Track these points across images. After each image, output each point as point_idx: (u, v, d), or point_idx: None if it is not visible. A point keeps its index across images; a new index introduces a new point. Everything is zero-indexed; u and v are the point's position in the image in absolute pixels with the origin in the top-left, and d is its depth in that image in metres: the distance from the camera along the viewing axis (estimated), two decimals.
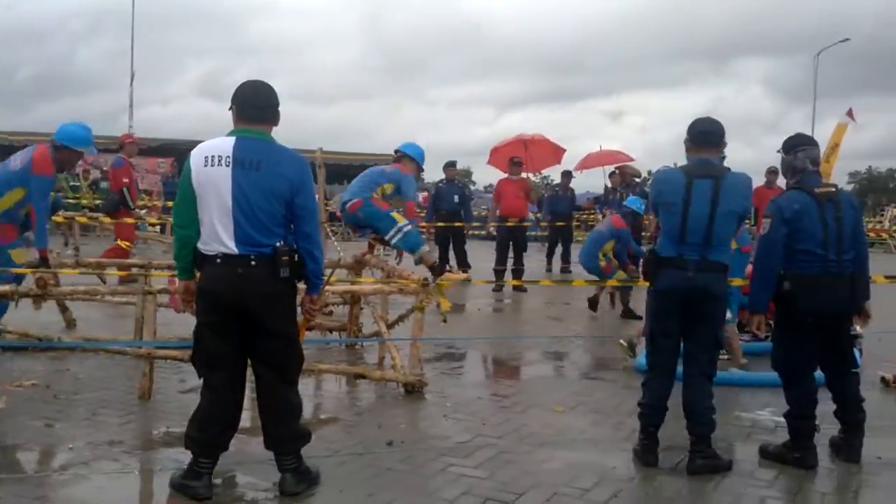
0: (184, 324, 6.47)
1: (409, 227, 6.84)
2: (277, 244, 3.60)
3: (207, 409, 3.72)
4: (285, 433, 3.79)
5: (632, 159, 15.75)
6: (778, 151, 4.61)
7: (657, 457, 4.27)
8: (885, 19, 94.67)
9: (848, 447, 4.44)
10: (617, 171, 14.12)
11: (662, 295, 4.25)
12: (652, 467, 4.22)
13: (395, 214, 6.87)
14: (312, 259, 3.70)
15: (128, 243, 10.46)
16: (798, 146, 4.48)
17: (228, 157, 3.54)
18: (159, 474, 4.02)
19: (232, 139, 3.61)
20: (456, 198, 13.14)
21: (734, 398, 5.71)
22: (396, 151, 7.47)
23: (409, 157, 7.31)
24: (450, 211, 13.09)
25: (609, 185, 14.42)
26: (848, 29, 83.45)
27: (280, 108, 3.74)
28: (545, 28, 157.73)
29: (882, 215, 27.97)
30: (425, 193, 30.98)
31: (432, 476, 4.04)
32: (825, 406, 4.52)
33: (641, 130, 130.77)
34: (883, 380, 6.24)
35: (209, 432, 3.69)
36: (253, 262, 3.56)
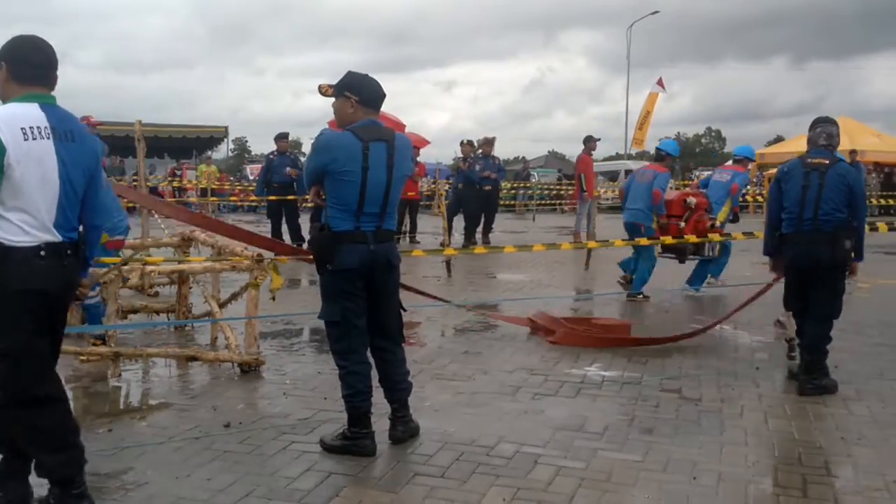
0: None
1: None
2: (80, 228, 3.25)
3: (55, 428, 3.15)
4: None
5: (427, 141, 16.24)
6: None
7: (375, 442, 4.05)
8: None
9: (797, 380, 5.20)
10: (464, 142, 15.10)
11: (345, 273, 3.96)
12: (371, 456, 3.94)
13: None
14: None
15: None
16: (816, 123, 5.34)
17: (46, 127, 3.03)
18: None
19: (34, 105, 3.06)
20: (288, 170, 12.89)
21: (566, 354, 5.98)
22: None
23: None
24: (282, 183, 12.83)
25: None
26: (658, 1, 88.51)
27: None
28: None
29: (691, 179, 30.01)
30: (255, 165, 30.13)
31: (273, 455, 3.97)
32: None
33: (473, 101, 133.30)
34: (778, 322, 6.51)
35: (69, 451, 3.17)
36: (69, 252, 3.17)
